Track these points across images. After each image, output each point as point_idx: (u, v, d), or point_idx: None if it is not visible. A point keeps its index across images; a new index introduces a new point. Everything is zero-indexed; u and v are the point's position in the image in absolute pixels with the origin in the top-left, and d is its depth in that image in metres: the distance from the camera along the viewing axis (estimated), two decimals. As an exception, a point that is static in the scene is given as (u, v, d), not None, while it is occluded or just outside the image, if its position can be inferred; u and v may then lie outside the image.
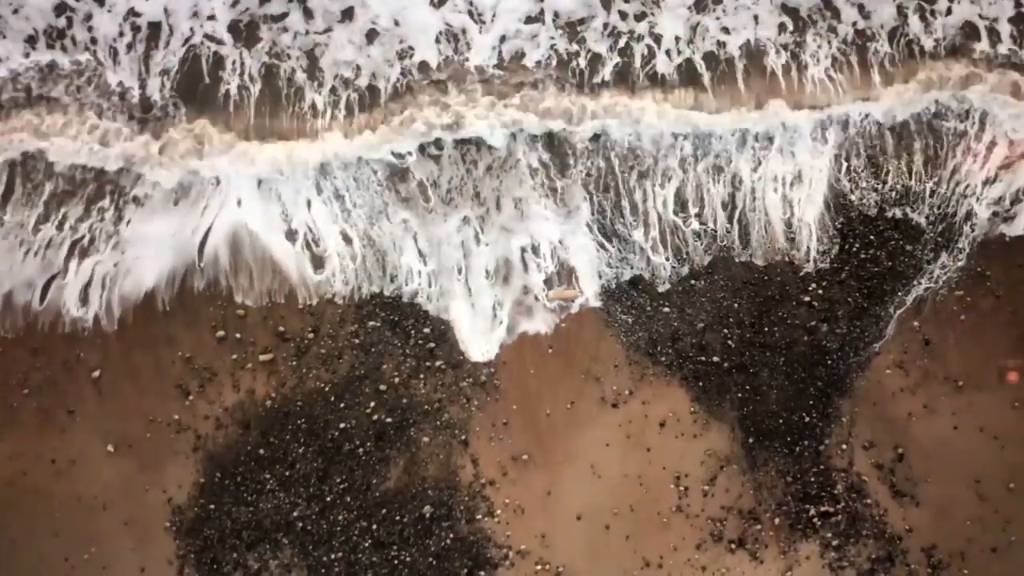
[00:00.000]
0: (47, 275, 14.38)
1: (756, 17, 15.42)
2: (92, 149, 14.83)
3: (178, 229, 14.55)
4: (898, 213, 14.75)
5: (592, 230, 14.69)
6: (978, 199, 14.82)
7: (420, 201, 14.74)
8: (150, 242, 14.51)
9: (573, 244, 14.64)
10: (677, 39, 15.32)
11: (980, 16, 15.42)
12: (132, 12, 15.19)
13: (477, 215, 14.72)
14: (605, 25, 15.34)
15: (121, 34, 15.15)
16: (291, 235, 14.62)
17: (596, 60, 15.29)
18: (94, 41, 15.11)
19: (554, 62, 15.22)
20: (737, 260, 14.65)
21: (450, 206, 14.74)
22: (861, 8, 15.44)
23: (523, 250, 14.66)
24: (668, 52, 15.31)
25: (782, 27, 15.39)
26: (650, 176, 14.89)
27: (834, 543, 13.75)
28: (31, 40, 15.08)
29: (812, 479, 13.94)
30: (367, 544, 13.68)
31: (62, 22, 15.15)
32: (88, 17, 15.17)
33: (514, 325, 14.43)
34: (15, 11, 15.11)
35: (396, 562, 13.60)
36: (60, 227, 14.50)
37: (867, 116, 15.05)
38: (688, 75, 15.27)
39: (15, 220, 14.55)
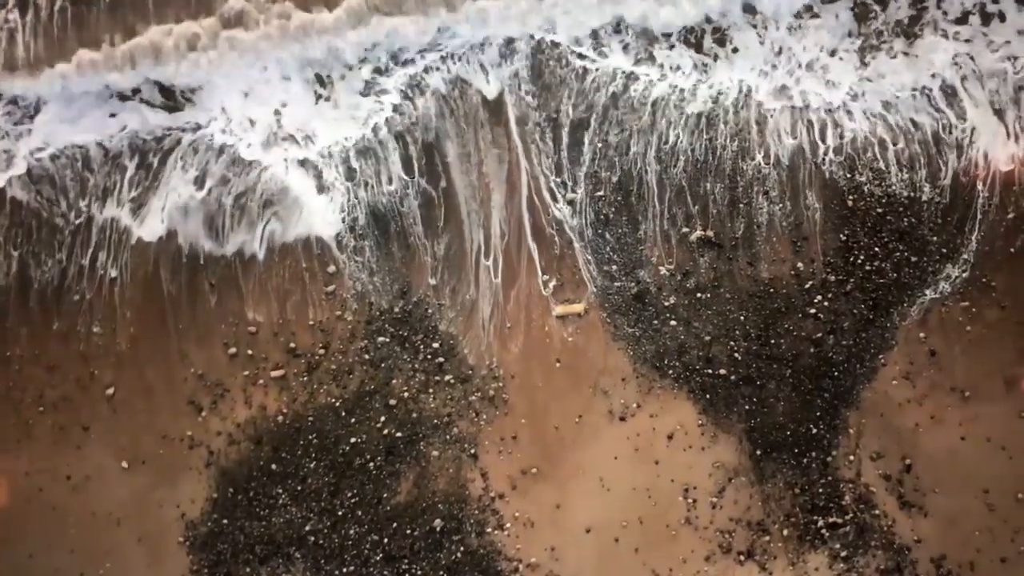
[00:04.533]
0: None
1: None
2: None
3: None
4: (903, 224, 14.80)
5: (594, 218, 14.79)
6: (983, 210, 14.84)
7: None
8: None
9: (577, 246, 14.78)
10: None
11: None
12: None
13: None
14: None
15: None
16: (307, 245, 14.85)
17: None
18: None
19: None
20: (742, 273, 14.72)
21: None
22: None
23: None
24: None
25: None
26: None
27: (843, 554, 13.75)
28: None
29: (820, 490, 13.96)
30: (378, 558, 13.76)
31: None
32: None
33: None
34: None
35: None
36: None
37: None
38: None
39: None
